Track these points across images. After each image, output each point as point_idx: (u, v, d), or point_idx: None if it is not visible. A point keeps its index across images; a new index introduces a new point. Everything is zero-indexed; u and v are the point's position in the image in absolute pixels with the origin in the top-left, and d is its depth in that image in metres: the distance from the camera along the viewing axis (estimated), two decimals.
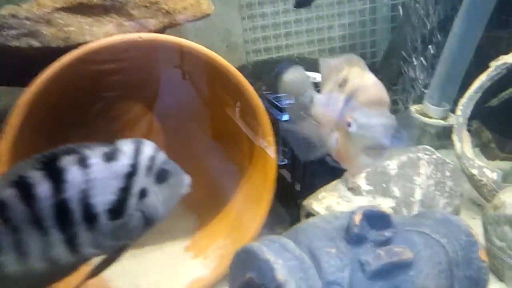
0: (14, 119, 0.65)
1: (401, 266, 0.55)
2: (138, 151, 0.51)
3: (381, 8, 1.29)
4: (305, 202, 0.78)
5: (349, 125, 0.49)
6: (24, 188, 0.46)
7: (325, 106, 0.55)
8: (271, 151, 0.78)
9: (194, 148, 0.87)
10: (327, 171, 0.80)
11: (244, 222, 0.83)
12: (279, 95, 0.81)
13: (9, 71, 0.74)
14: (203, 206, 0.86)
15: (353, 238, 0.55)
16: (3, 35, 0.67)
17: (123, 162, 0.50)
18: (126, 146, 0.51)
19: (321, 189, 0.78)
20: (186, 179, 0.54)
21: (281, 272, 0.52)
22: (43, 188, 0.46)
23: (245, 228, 0.82)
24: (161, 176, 0.52)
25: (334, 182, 0.80)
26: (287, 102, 0.70)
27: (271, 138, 0.77)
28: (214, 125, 0.87)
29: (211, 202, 0.88)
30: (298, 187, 0.88)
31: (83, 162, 0.48)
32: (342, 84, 0.53)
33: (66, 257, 0.49)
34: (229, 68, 0.74)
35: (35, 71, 0.70)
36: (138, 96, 0.88)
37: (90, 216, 0.48)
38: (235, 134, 0.82)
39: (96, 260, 0.53)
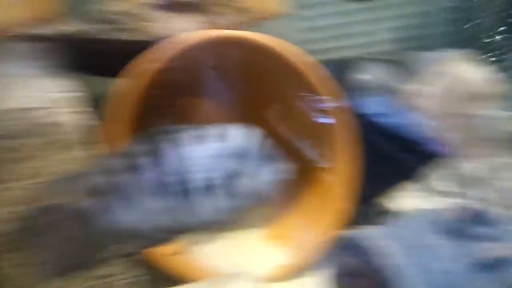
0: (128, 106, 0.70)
1: (504, 262, 0.55)
2: (246, 135, 0.55)
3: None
4: (383, 202, 0.78)
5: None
6: (144, 157, 0.51)
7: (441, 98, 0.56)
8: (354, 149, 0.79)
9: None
10: (403, 170, 0.80)
11: (322, 216, 0.84)
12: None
13: (106, 63, 0.79)
14: (282, 198, 0.88)
15: (454, 232, 0.55)
16: (105, 29, 0.72)
17: (233, 144, 0.53)
18: (236, 131, 0.55)
19: (400, 189, 0.77)
20: (286, 166, 0.56)
21: (391, 258, 0.53)
22: (159, 158, 0.51)
23: (324, 222, 0.83)
24: (264, 161, 0.55)
25: (412, 183, 0.79)
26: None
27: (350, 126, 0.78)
28: (294, 119, 0.89)
29: (290, 195, 0.89)
30: (372, 185, 0.88)
31: (196, 140, 0.53)
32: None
33: (168, 224, 0.53)
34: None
35: (126, 63, 0.75)
36: (223, 88, 0.91)
37: (196, 190, 0.52)
38: (315, 129, 0.83)
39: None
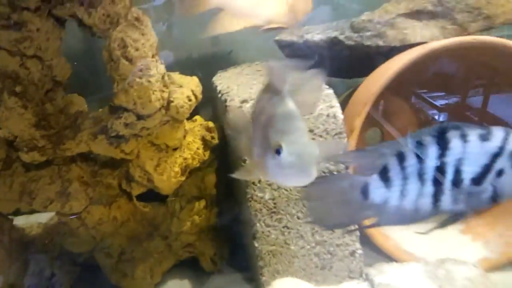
0: (369, 101, 0.83)
1: None
2: (507, 137, 0.62)
3: None
4: None
5: None
6: (419, 147, 0.60)
7: None
8: None
9: None
10: None
11: None
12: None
13: (353, 66, 0.92)
14: None
15: None
16: (361, 36, 0.85)
17: (494, 144, 0.61)
18: (498, 132, 0.62)
19: None
20: None
21: None
22: (432, 150, 0.59)
23: None
24: None
25: None
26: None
27: None
28: None
29: None
30: None
31: (464, 137, 0.60)
32: None
33: (427, 207, 0.61)
34: None
35: (371, 66, 0.87)
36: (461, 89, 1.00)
37: (456, 180, 0.60)
38: None
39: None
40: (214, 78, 1.00)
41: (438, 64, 0.85)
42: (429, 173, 0.60)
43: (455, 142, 0.60)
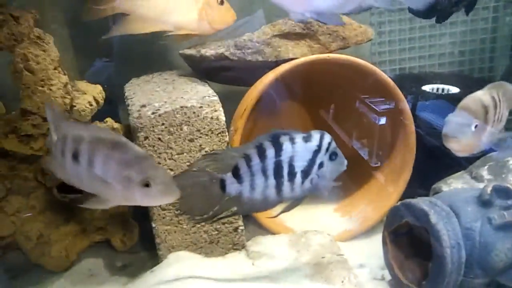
0: (249, 105, 1.01)
1: None
2: (322, 138, 0.78)
3: (502, 27, 1.49)
4: (435, 185, 1.05)
5: None
6: (260, 150, 0.76)
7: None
8: (411, 138, 1.07)
9: (352, 137, 1.19)
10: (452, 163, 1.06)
11: (383, 196, 1.13)
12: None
13: (241, 76, 1.10)
14: (350, 180, 1.18)
15: (484, 202, 0.82)
16: (243, 52, 1.03)
17: (313, 143, 0.77)
18: (316, 134, 0.78)
19: (449, 176, 1.04)
20: (345, 161, 0.80)
21: (433, 217, 0.81)
22: (270, 151, 0.75)
23: (384, 200, 1.12)
24: (332, 156, 0.78)
25: (459, 172, 1.05)
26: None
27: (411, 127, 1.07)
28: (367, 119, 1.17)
29: (357, 178, 1.19)
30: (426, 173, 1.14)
31: (292, 140, 0.77)
32: None
33: (273, 196, 0.77)
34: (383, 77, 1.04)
35: (256, 77, 1.06)
36: (322, 99, 1.21)
37: (291, 173, 0.76)
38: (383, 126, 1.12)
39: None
40: (126, 85, 1.15)
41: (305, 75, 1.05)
42: (270, 169, 0.76)
43: (286, 144, 0.76)
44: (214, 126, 0.96)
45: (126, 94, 1.07)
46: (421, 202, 0.84)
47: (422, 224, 0.83)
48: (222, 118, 0.97)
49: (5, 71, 0.82)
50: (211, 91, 1.02)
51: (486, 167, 1.00)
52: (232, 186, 0.76)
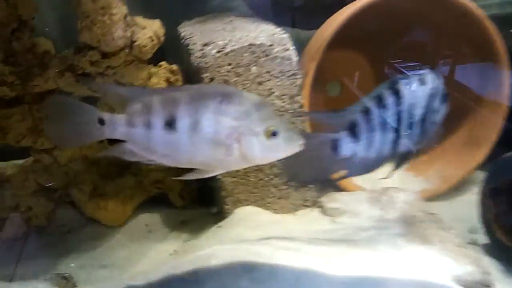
0: (323, 45, 0.89)
1: None
2: (435, 79, 0.68)
3: None
4: None
5: None
6: (381, 100, 0.66)
7: None
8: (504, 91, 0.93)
9: None
10: None
11: (465, 154, 1.01)
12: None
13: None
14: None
15: None
16: None
17: (429, 86, 0.67)
18: (429, 75, 0.68)
19: None
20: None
21: None
22: (390, 101, 0.66)
23: (467, 158, 1.00)
24: (444, 98, 0.68)
25: None
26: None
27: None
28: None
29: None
30: None
31: (410, 85, 0.67)
32: None
33: (387, 152, 0.67)
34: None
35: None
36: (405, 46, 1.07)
37: (409, 123, 0.67)
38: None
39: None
40: (179, 27, 1.03)
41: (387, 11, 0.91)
42: (390, 122, 0.66)
43: (405, 91, 0.66)
44: (286, 67, 0.85)
45: (182, 34, 0.96)
46: None
47: None
48: (294, 58, 0.85)
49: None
50: (279, 29, 0.90)
51: None
52: (347, 146, 0.65)
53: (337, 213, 0.84)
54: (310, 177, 0.71)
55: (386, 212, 0.82)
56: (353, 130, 0.66)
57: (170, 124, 0.55)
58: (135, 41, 0.77)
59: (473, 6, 0.90)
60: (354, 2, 0.90)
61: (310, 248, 0.69)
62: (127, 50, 0.76)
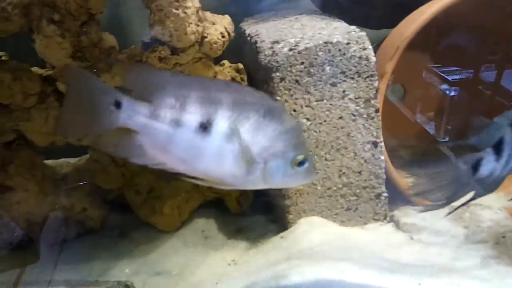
0: (402, 44, 0.82)
1: None
2: None
3: None
4: None
5: None
6: None
7: None
8: None
9: None
10: None
11: None
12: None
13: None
14: None
15: None
16: None
17: None
18: None
19: None
20: None
21: None
22: None
23: None
24: None
25: None
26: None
27: None
28: None
29: None
30: None
31: None
32: None
33: None
34: None
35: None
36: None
37: None
38: None
39: None
40: (241, 24, 0.99)
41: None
42: None
43: None
44: (363, 67, 0.78)
45: (247, 32, 0.91)
46: None
47: None
48: (373, 58, 0.79)
49: None
50: (353, 27, 0.83)
51: None
52: (489, 165, 0.57)
53: (414, 229, 0.76)
54: (439, 199, 0.63)
55: (471, 230, 0.74)
56: (498, 147, 0.57)
57: (205, 127, 0.49)
58: (205, 37, 0.72)
59: None
60: (435, 1, 0.83)
61: (395, 266, 0.63)
62: (197, 47, 0.72)
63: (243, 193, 0.95)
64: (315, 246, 0.74)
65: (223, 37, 0.74)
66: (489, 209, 0.79)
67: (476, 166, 0.59)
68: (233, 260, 0.83)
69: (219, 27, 0.75)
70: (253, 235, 0.90)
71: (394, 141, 0.88)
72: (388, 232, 0.79)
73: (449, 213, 0.69)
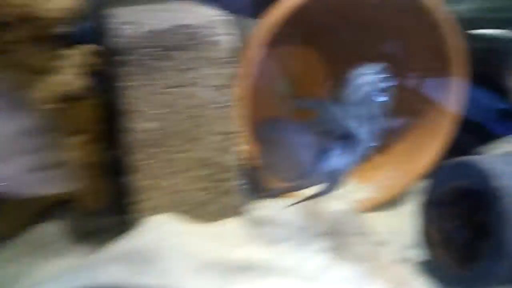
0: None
1: None
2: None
3: None
4: (481, 149, 0.86)
5: None
6: None
7: None
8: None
9: None
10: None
11: (413, 159, 0.94)
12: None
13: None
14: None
15: None
16: None
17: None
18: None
19: (497, 140, 0.86)
20: None
21: (500, 180, 0.61)
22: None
23: (414, 164, 0.93)
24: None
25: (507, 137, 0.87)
26: None
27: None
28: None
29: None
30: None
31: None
32: None
33: None
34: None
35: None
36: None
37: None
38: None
39: None
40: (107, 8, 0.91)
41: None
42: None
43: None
44: (219, 53, 0.73)
45: (106, 13, 0.83)
46: (483, 160, 0.64)
47: (485, 189, 0.63)
48: (227, 44, 0.74)
49: None
50: (216, 11, 0.79)
51: None
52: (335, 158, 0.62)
53: (258, 223, 0.72)
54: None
55: (314, 224, 0.71)
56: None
57: None
58: (37, 11, 0.63)
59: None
60: None
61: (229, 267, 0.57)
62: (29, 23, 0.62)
63: (97, 192, 0.85)
64: (153, 247, 0.66)
65: (61, 12, 0.66)
66: (337, 201, 0.78)
67: (323, 156, 0.60)
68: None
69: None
70: (101, 238, 0.80)
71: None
72: (235, 227, 0.74)
73: (294, 204, 0.67)
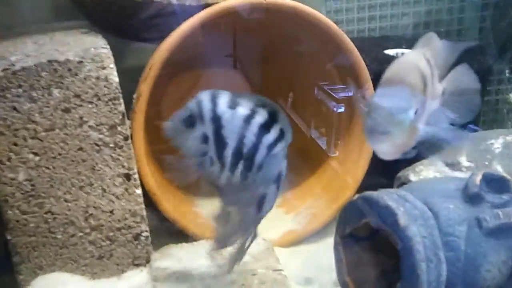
0: (157, 63, 0.73)
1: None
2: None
3: None
4: (401, 174, 0.82)
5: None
6: None
7: None
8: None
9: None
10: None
11: (337, 186, 0.89)
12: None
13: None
14: (296, 168, 0.93)
15: (471, 197, 0.59)
16: None
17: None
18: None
19: (418, 163, 0.82)
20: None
21: (402, 217, 0.57)
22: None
23: (338, 191, 0.88)
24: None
25: (430, 158, 0.83)
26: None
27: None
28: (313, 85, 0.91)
29: (305, 165, 0.94)
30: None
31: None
32: None
33: None
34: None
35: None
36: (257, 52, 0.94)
37: None
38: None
39: None
40: None
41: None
42: None
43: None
44: (103, 90, 0.67)
45: None
46: (386, 196, 0.60)
47: (388, 226, 0.59)
48: (115, 78, 0.67)
49: None
50: (102, 42, 0.71)
51: (464, 151, 0.79)
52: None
53: (162, 275, 0.66)
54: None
55: (223, 269, 0.66)
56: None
57: None
58: None
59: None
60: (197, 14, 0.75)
61: None
62: None
63: None
64: None
65: None
66: (252, 238, 0.72)
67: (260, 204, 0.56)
68: None
69: None
70: None
71: None
72: (138, 281, 0.67)
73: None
